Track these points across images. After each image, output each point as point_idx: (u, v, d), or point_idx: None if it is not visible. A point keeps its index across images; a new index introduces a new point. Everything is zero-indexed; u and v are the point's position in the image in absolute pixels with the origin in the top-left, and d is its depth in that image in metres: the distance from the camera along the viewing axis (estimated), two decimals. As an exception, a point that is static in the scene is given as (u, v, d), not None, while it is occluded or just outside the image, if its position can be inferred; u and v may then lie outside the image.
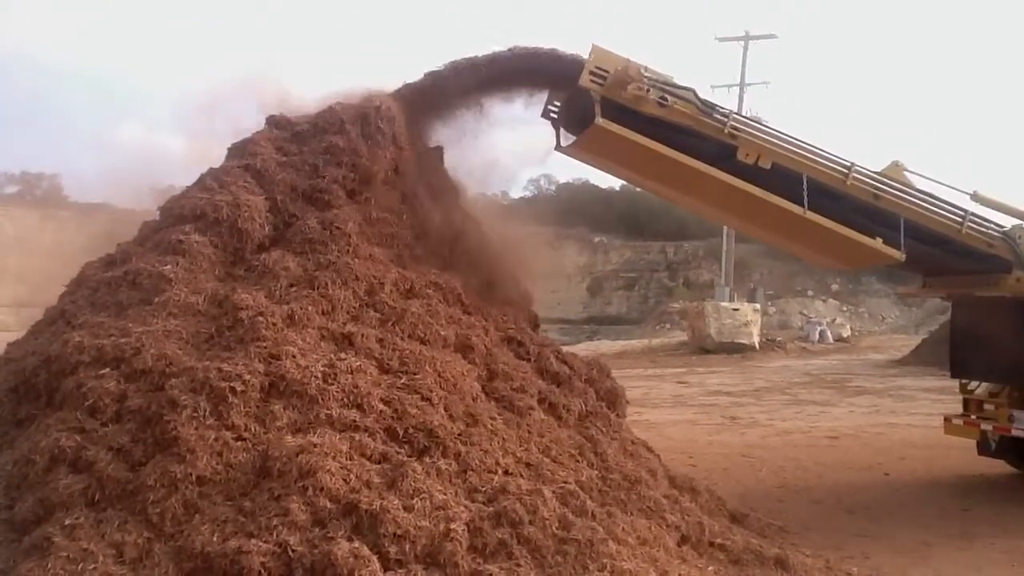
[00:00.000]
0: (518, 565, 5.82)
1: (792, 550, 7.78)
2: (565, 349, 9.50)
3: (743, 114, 32.37)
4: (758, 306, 38.06)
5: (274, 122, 8.90)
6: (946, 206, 9.31)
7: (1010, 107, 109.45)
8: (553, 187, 66.83)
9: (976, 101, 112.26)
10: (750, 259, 53.75)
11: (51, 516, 6.00)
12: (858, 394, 22.12)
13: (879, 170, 9.21)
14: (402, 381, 6.93)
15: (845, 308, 54.60)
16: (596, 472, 7.27)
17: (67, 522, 5.89)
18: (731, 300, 38.99)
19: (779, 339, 37.59)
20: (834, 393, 22.41)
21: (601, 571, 6.00)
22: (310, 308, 7.22)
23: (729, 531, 7.90)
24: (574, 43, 8.78)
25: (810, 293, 56.05)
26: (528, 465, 6.88)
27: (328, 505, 5.88)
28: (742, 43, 45.11)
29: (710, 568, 7.05)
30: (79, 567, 5.60)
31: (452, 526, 5.87)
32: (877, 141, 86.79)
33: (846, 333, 41.21)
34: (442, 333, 7.60)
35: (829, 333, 39.74)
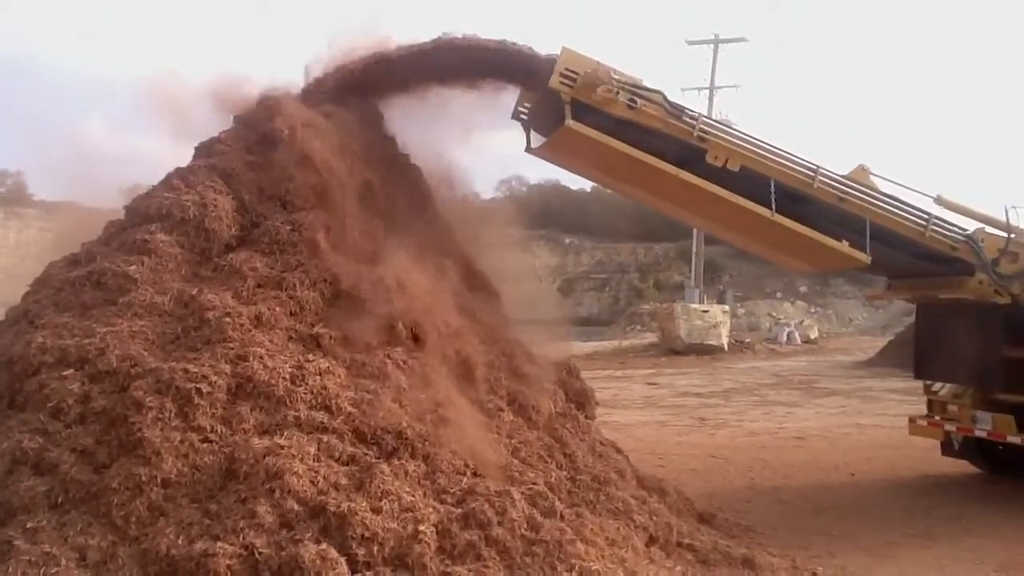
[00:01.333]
0: (486, 567, 5.82)
1: (759, 550, 7.84)
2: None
3: (713, 117, 32.60)
4: (727, 308, 38.34)
5: (242, 121, 8.80)
6: (911, 209, 9.42)
7: (985, 108, 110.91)
8: (524, 188, 66.95)
9: (948, 102, 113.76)
10: (720, 261, 54.18)
11: (12, 519, 5.91)
12: (825, 395, 22.34)
13: (845, 174, 9.30)
14: (370, 383, 6.90)
15: (813, 310, 55.23)
16: (565, 473, 7.29)
17: (29, 525, 5.81)
18: (701, 302, 39.27)
19: (748, 341, 37.91)
20: (802, 394, 22.61)
21: (569, 572, 6.01)
22: (278, 309, 7.16)
23: (697, 531, 7.94)
24: (545, 45, 8.76)
25: (779, 295, 56.64)
26: (497, 466, 6.87)
27: (295, 507, 5.85)
28: (712, 46, 45.39)
29: (678, 568, 7.08)
30: (41, 571, 5.53)
31: (421, 528, 5.86)
32: (847, 143, 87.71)
33: (814, 335, 41.61)
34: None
35: (797, 335, 40.15)
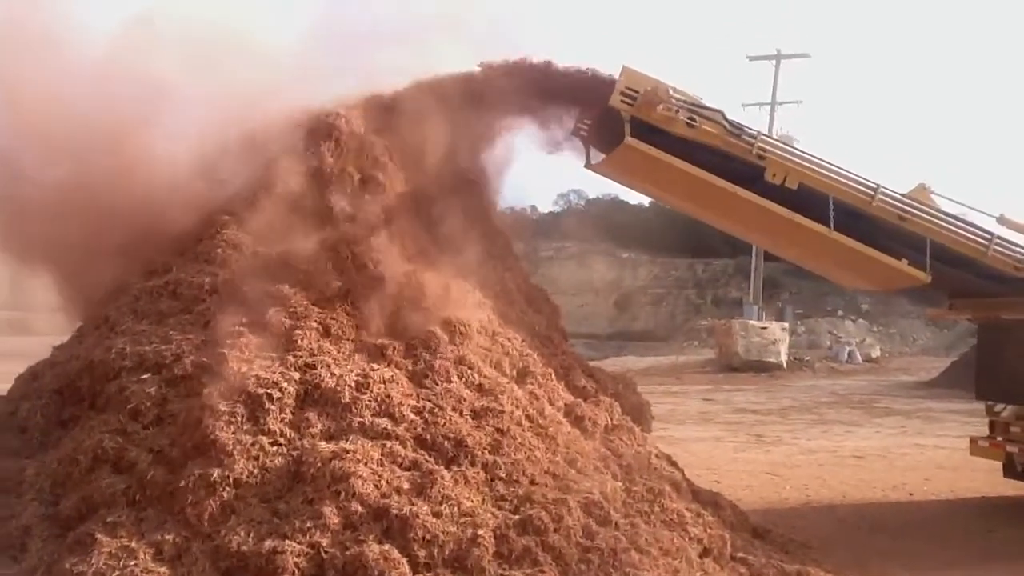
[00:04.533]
0: (542, 571, 6.01)
1: (813, 566, 7.84)
2: (592, 364, 9.68)
3: (773, 134, 32.46)
4: (786, 325, 37.95)
5: (307, 134, 9.01)
6: (972, 228, 9.40)
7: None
8: (583, 202, 67.11)
9: (1015, 117, 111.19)
10: (779, 278, 53.55)
11: (94, 514, 6.27)
12: (885, 415, 22.07)
13: (905, 192, 9.31)
14: (433, 392, 7.12)
15: (875, 328, 54.18)
16: (620, 484, 7.40)
17: (109, 520, 6.15)
18: (759, 318, 38.90)
19: (807, 358, 37.45)
20: (861, 413, 22.36)
21: (624, 580, 6.15)
22: (345, 320, 7.43)
23: (751, 546, 7.99)
24: (607, 61, 8.96)
25: (840, 313, 55.67)
26: (554, 476, 7.02)
27: (360, 509, 6.10)
28: (773, 62, 45.07)
29: (731, 581, 7.16)
30: (120, 563, 5.86)
31: (479, 532, 6.07)
32: (910, 159, 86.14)
33: (875, 354, 40.96)
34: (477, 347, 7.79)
35: (858, 353, 39.55)
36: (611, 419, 8.22)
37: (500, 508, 6.43)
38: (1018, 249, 9.52)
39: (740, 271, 54.56)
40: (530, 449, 7.09)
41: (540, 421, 7.53)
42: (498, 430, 7.06)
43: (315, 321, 7.36)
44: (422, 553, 5.92)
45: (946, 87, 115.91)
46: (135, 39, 8.41)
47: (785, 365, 34.64)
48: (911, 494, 12.11)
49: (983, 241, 9.36)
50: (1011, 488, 11.57)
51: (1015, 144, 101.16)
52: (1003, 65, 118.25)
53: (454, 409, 7.02)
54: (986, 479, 12.01)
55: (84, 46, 8.43)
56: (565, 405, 8.02)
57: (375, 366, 7.13)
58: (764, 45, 66.80)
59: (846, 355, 38.99)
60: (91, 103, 8.18)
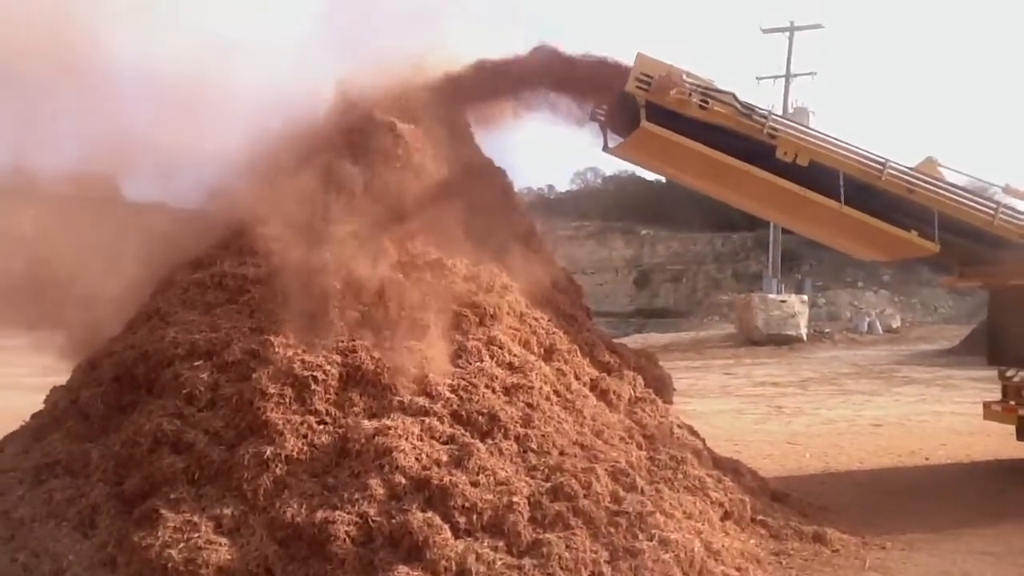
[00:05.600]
0: (574, 534, 6.44)
1: (830, 527, 8.25)
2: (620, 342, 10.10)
3: (788, 107, 32.44)
4: (805, 298, 38.15)
5: (341, 126, 9.38)
6: (979, 199, 9.71)
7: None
8: (600, 180, 67.28)
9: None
10: (799, 250, 53.53)
11: (156, 491, 6.76)
12: (905, 384, 22.37)
13: (913, 166, 9.64)
14: (467, 371, 7.57)
15: (897, 299, 54.09)
16: (644, 453, 7.84)
17: (171, 496, 6.65)
18: (778, 292, 39.11)
19: (827, 330, 37.68)
20: (881, 383, 22.67)
21: (650, 540, 6.60)
22: (381, 305, 7.86)
23: (770, 509, 8.44)
24: (621, 38, 9.31)
25: (860, 284, 55.59)
26: (582, 446, 7.47)
27: (403, 481, 6.55)
28: (787, 34, 44.96)
29: (751, 541, 7.60)
30: (184, 536, 6.35)
31: (514, 499, 6.52)
32: (925, 130, 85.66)
33: (896, 324, 41.11)
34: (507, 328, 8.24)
35: (878, 324, 39.71)
36: (634, 392, 8.64)
37: (533, 477, 6.88)
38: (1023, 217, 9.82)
39: (759, 244, 54.53)
40: (559, 422, 7.53)
41: (567, 395, 7.97)
42: (528, 405, 7.50)
43: (353, 307, 7.81)
44: (462, 520, 6.38)
45: (962, 55, 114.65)
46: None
47: (805, 337, 34.91)
48: (927, 459, 12.48)
49: (989, 211, 9.67)
50: (1023, 451, 11.91)
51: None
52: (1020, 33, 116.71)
53: (487, 386, 7.47)
54: (1001, 443, 12.32)
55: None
56: (590, 380, 8.45)
57: (411, 347, 7.56)
58: (778, 17, 66.31)
59: (866, 326, 39.18)
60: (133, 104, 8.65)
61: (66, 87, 8.80)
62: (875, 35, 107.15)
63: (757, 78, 44.97)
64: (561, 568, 6.16)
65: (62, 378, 8.43)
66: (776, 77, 44.74)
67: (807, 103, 42.82)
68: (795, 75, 44.55)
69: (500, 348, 7.92)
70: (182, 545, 6.27)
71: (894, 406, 18.35)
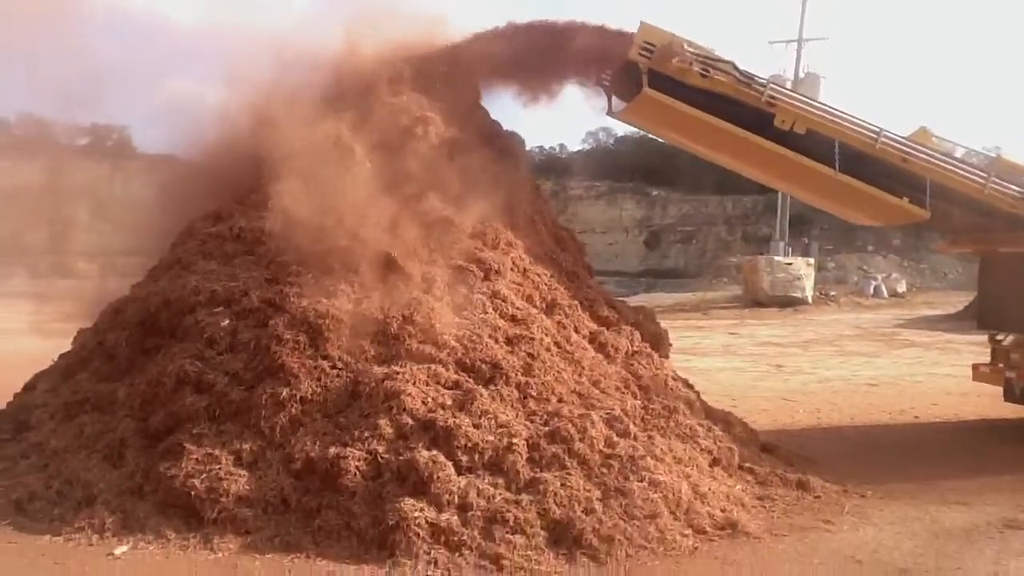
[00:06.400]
0: (569, 474, 6.93)
1: (814, 476, 8.70)
2: (621, 300, 10.51)
3: (800, 71, 32.34)
4: (811, 261, 38.45)
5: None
6: (971, 169, 10.04)
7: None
8: (611, 140, 67.21)
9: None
10: (808, 214, 53.41)
11: (180, 427, 7.29)
12: (905, 346, 22.76)
13: (908, 135, 9.96)
14: (471, 322, 8.01)
15: (906, 264, 54.17)
16: (639, 402, 8.29)
17: (195, 431, 7.17)
18: (786, 254, 39.39)
19: (832, 293, 38.00)
20: (881, 346, 23.06)
21: (640, 482, 7.09)
22: (390, 258, 8.28)
23: (758, 457, 8.90)
24: (623, 18, 9.61)
25: (871, 248, 55.67)
26: (579, 395, 7.93)
27: (410, 422, 7.04)
28: (801, -2, 44.69)
29: (737, 486, 8.07)
30: (206, 467, 6.88)
31: (514, 441, 6.99)
32: (935, 96, 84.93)
33: (901, 288, 41.39)
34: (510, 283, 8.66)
35: (884, 288, 39.99)
36: (632, 345, 9.07)
37: (532, 421, 7.35)
38: (1013, 187, 10.14)
39: (770, 207, 54.57)
40: (558, 371, 7.98)
41: (567, 347, 8.41)
42: (529, 355, 7.94)
43: (364, 260, 8.23)
44: (464, 458, 6.86)
45: (973, 24, 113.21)
46: None
47: (811, 300, 35.27)
48: (916, 417, 12.91)
49: (980, 180, 9.99)
50: (1010, 411, 12.32)
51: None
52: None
53: (490, 336, 7.91)
54: (990, 403, 12.71)
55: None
56: (590, 333, 8.89)
57: (420, 297, 7.99)
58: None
59: (872, 289, 39.50)
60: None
61: (68, 30, 9.12)
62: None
63: (770, 42, 44.97)
64: (556, 504, 6.66)
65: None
66: (789, 41, 44.65)
67: (819, 69, 42.66)
68: (807, 40, 44.41)
69: (503, 301, 8.35)
70: (204, 476, 6.81)
71: (891, 367, 18.76)
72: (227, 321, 7.80)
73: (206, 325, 7.83)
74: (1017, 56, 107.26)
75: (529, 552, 6.36)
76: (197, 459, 6.94)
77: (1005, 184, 10.07)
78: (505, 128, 10.33)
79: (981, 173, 9.98)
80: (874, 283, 40.32)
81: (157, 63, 9.65)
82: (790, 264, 35.73)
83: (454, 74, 9.35)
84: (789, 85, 39.84)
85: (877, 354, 21.26)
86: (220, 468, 6.87)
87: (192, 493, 6.72)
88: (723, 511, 7.39)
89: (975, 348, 20.54)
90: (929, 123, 10.03)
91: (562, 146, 67.54)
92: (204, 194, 9.54)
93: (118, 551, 6.42)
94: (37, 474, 7.38)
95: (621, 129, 63.67)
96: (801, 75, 41.19)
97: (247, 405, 7.28)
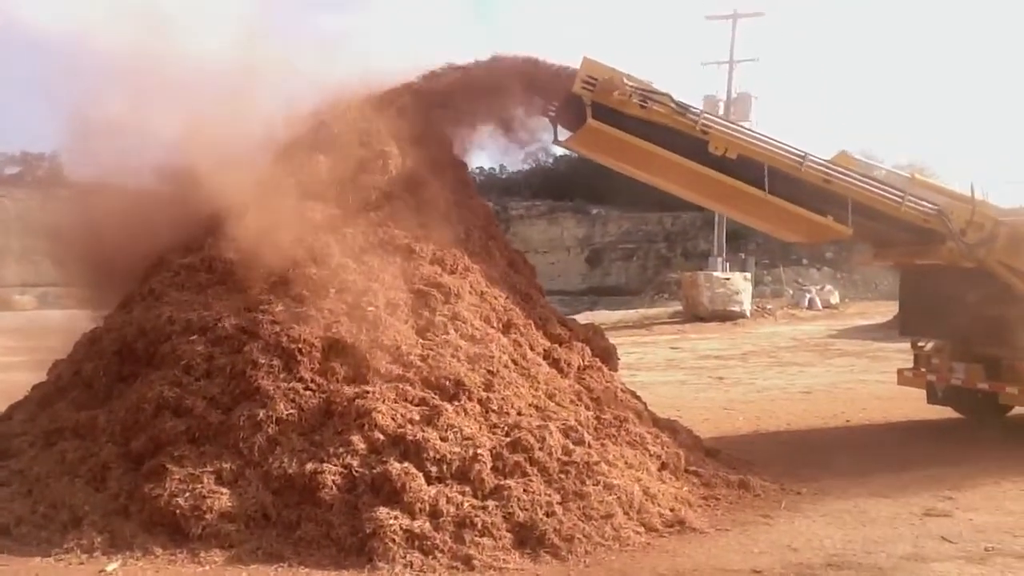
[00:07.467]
0: (530, 481, 7.51)
1: (754, 477, 9.42)
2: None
3: (732, 91, 33.53)
4: (748, 275, 39.56)
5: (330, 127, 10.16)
6: (888, 188, 10.90)
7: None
8: (550, 159, 67.98)
9: (967, 79, 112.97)
10: (745, 230, 54.67)
11: (161, 450, 7.68)
12: (838, 356, 23.71)
13: (830, 158, 10.80)
14: (434, 343, 8.56)
15: (839, 276, 55.87)
16: (592, 413, 8.91)
17: (175, 454, 7.57)
18: (723, 270, 40.52)
19: (769, 306, 39.16)
20: (815, 355, 24.01)
21: (596, 486, 7.71)
22: (356, 284, 8.79)
23: (703, 462, 9.57)
24: (570, 26, 10.22)
25: (805, 262, 57.27)
26: (537, 408, 8.51)
27: (381, 437, 7.54)
28: (731, 21, 46.12)
29: (684, 488, 8.73)
30: (189, 486, 7.30)
31: (478, 452, 7.55)
32: (864, 113, 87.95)
33: (835, 300, 42.74)
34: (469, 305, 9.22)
35: (818, 300, 41.29)
36: (583, 360, 9.69)
37: (494, 433, 7.91)
38: (927, 204, 11.02)
39: (708, 224, 55.53)
40: (516, 386, 8.56)
41: (523, 364, 8.99)
42: (489, 372, 8.50)
43: (331, 286, 8.73)
44: (434, 469, 7.39)
45: (902, 42, 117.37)
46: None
47: (749, 313, 36.31)
48: (848, 421, 13.75)
49: (897, 198, 10.85)
50: (932, 413, 13.23)
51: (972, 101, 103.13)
52: (967, 22, 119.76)
53: (452, 356, 8.46)
54: (914, 406, 13.58)
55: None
56: (544, 350, 9.49)
57: (385, 322, 8.52)
58: (721, 4, 67.33)
59: (807, 302, 40.74)
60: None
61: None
62: (814, 21, 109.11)
63: (702, 63, 46.25)
64: (520, 508, 7.24)
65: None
66: (720, 63, 45.92)
67: (750, 88, 44.22)
68: (738, 61, 45.76)
69: (463, 323, 8.91)
70: (188, 494, 7.23)
71: (825, 376, 19.68)
72: (202, 347, 8.22)
73: (183, 352, 8.23)
74: (938, 76, 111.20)
75: (497, 553, 6.93)
76: (180, 479, 7.35)
77: (920, 201, 10.94)
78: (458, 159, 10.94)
79: (898, 192, 10.84)
80: (808, 296, 41.62)
81: (85, 89, 9.79)
82: (728, 279, 36.77)
83: (412, 108, 9.91)
84: (722, 105, 41.23)
85: (812, 364, 22.19)
86: (202, 487, 7.29)
87: (177, 511, 7.13)
88: (672, 510, 8.04)
89: (903, 355, 21.60)
90: (854, 137, 10.91)
91: (502, 167, 68.26)
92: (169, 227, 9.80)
93: (110, 568, 6.80)
94: (22, 500, 7.69)
95: (560, 149, 64.57)
96: (734, 95, 42.69)
97: (226, 427, 7.71)
